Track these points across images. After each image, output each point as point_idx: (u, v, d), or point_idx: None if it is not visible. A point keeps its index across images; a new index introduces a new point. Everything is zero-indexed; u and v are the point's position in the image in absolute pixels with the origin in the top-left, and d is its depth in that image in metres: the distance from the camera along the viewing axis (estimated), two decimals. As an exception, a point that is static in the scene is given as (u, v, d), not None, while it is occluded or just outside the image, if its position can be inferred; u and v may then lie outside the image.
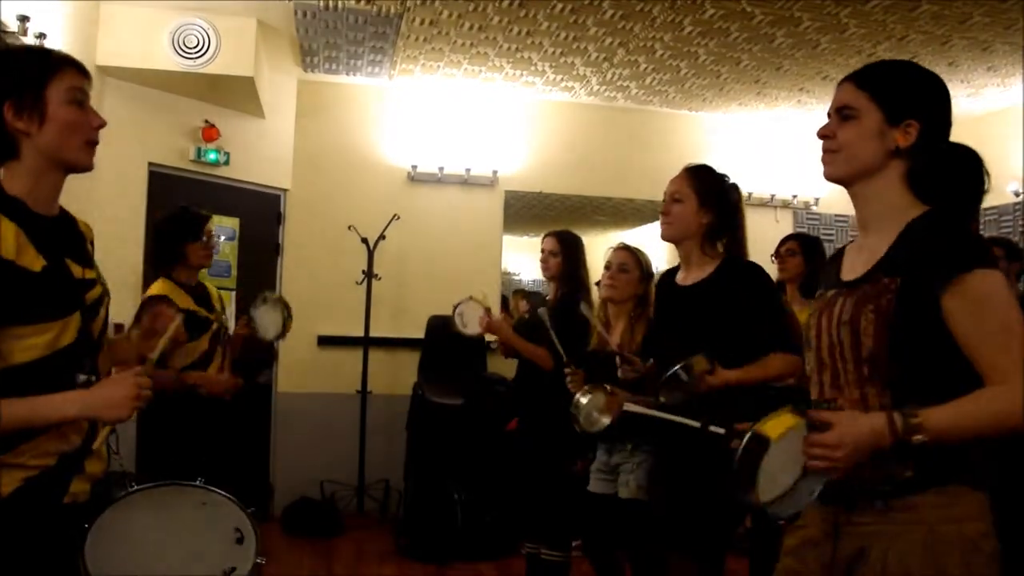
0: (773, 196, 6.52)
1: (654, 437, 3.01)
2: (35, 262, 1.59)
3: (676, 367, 2.33)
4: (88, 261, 1.78)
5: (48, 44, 3.79)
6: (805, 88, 5.85)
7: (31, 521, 1.60)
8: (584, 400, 2.78)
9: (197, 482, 1.90)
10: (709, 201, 2.61)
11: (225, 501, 1.91)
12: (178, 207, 3.51)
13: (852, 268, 1.68)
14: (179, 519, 1.84)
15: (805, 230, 6.54)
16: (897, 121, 1.60)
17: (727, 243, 2.66)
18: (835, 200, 6.33)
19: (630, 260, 3.40)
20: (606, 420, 2.74)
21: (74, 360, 1.67)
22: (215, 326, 3.46)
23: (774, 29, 4.77)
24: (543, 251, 3.86)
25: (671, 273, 2.77)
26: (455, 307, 3.87)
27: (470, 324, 3.82)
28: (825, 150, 1.67)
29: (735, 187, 2.71)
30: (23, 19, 3.60)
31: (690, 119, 6.63)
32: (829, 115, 1.70)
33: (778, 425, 1.48)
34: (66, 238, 1.75)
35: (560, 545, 3.67)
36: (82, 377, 1.68)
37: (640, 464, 3.16)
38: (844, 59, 5.21)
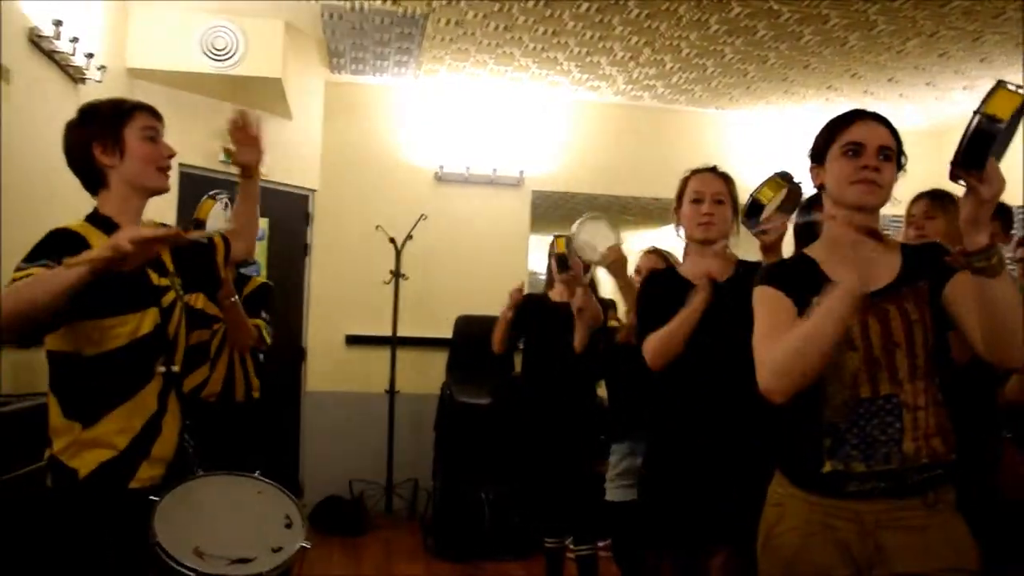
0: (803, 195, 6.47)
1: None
2: None
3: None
4: (165, 271, 2.11)
5: (80, 48, 3.86)
6: (833, 86, 5.80)
7: (104, 502, 1.86)
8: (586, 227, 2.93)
9: (256, 474, 2.12)
10: (736, 204, 2.70)
11: (278, 492, 2.11)
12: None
13: (864, 278, 1.72)
14: (237, 502, 2.04)
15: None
16: (901, 167, 1.87)
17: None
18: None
19: (661, 263, 3.40)
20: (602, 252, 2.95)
21: (152, 350, 1.98)
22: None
23: (801, 27, 4.73)
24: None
25: (668, 273, 2.76)
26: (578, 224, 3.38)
27: (600, 246, 3.24)
28: (870, 180, 1.80)
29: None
30: (57, 23, 3.65)
31: (717, 117, 6.60)
32: (862, 144, 1.82)
33: (1008, 102, 1.46)
34: None
35: (587, 539, 3.71)
36: (161, 368, 2.00)
37: (618, 462, 3.17)
38: (873, 56, 5.15)
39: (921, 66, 5.32)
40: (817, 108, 6.25)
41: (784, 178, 2.45)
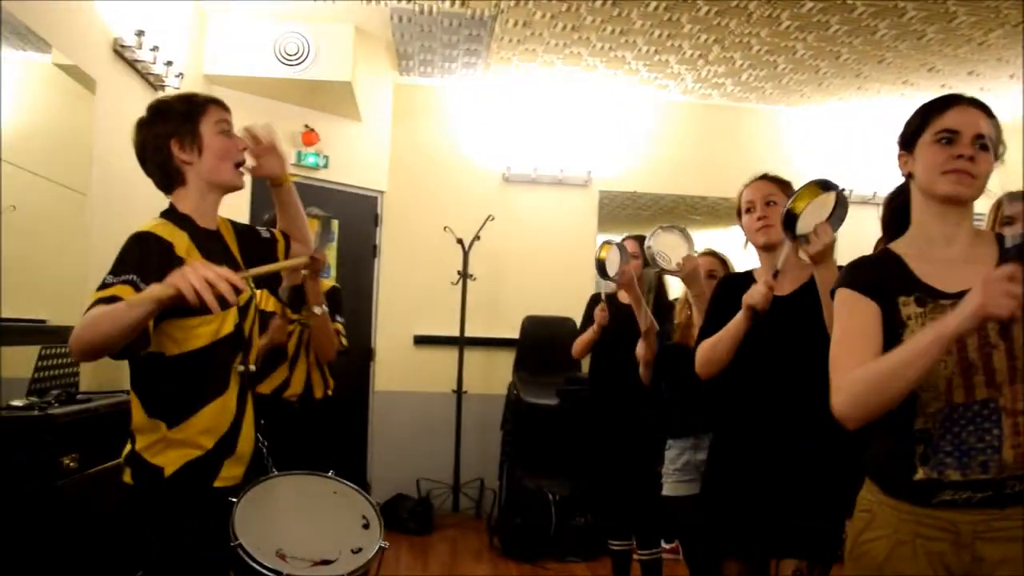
0: (875, 194, 6.30)
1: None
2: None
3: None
4: (239, 269, 2.06)
5: (160, 56, 3.97)
6: (909, 81, 5.64)
7: (189, 500, 1.87)
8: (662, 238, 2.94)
9: (329, 474, 2.12)
10: None
11: (353, 492, 2.12)
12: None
13: (957, 277, 1.66)
14: (314, 502, 2.06)
15: (909, 228, 6.30)
16: (998, 157, 1.75)
17: None
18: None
19: (717, 265, 3.36)
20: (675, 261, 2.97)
21: (232, 350, 1.98)
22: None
23: (876, 21, 4.61)
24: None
25: (740, 277, 2.67)
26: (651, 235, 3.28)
27: (673, 255, 3.19)
28: (965, 171, 1.70)
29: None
30: (139, 34, 3.78)
31: (787, 115, 6.48)
32: (957, 131, 1.71)
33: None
34: (221, 249, 2.07)
35: (651, 543, 3.70)
36: (241, 367, 2.00)
37: (675, 457, 3.13)
38: (952, 49, 5.01)
39: (1005, 58, 5.14)
40: (891, 104, 6.09)
41: (821, 186, 2.32)
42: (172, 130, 1.98)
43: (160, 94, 4.16)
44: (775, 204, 2.54)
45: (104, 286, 1.76)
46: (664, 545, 4.52)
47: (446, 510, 5.84)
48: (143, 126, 2.01)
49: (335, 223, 5.70)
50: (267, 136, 2.27)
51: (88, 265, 3.32)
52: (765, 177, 2.67)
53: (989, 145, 1.71)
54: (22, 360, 2.89)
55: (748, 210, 2.62)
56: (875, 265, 1.83)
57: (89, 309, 1.72)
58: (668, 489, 3.30)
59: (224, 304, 1.68)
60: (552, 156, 6.23)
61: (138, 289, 1.74)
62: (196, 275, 1.62)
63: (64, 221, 3.42)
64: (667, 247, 3.15)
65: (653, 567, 3.74)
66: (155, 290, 1.66)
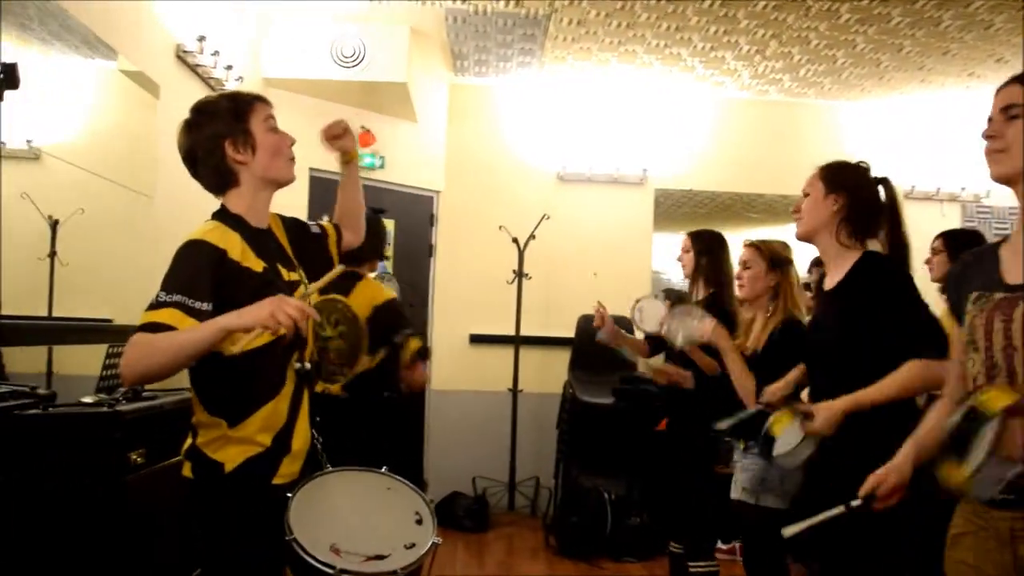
0: (939, 189, 6.16)
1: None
2: (257, 264, 1.91)
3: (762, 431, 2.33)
4: (292, 265, 2.08)
5: (221, 61, 4.06)
6: (975, 72, 5.49)
7: (249, 497, 1.87)
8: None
9: (383, 470, 2.12)
10: (837, 186, 2.43)
11: (407, 488, 2.11)
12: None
13: (1019, 270, 1.63)
14: (368, 498, 2.05)
15: (975, 225, 6.14)
16: None
17: (889, 244, 2.45)
18: (1010, 191, 5.91)
19: (752, 255, 3.27)
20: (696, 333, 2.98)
21: (289, 348, 1.95)
22: None
23: (940, 11, 4.50)
24: (680, 251, 3.84)
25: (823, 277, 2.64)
26: (637, 301, 3.60)
27: (648, 320, 3.48)
28: (991, 151, 1.68)
29: (884, 180, 2.46)
30: (200, 39, 3.86)
31: (847, 110, 6.36)
32: (991, 119, 1.69)
33: (999, 398, 1.44)
34: (275, 247, 2.07)
35: (705, 554, 3.58)
36: (298, 365, 1.98)
37: (746, 468, 3.07)
38: (1022, 38, 4.85)
39: (1078, 48, 4.98)
40: (956, 97, 5.93)
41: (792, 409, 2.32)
42: (224, 131, 1.94)
43: (221, 98, 4.24)
44: (807, 195, 2.49)
45: (154, 306, 1.74)
46: (720, 545, 4.47)
47: (502, 508, 5.86)
48: (191, 129, 1.97)
49: (391, 223, 5.77)
50: (339, 124, 2.39)
51: (153, 266, 3.38)
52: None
53: (1019, 112, 1.64)
54: (91, 358, 2.98)
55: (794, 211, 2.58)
56: (970, 263, 1.83)
57: (139, 330, 1.72)
58: (738, 493, 3.24)
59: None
60: (607, 155, 6.21)
61: (188, 310, 1.73)
62: (283, 313, 1.66)
63: (130, 223, 3.52)
64: (647, 308, 3.37)
65: None
66: (229, 322, 1.70)
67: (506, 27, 4.99)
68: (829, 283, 2.45)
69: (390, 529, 1.98)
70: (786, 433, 2.23)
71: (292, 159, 2.05)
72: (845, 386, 2.23)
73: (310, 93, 5.12)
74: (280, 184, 2.06)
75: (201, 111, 1.99)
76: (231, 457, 1.86)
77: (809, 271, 4.62)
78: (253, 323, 1.68)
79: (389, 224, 5.77)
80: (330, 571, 1.76)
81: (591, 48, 5.34)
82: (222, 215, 1.97)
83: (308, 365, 2.01)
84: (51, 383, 2.92)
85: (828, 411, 2.20)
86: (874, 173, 2.48)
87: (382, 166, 5.58)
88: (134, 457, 2.63)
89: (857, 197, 2.42)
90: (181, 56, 3.79)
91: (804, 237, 2.51)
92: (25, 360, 2.92)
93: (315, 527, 1.86)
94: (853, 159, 2.54)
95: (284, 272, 2.01)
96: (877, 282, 2.30)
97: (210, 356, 1.81)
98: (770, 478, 3.04)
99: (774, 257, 3.26)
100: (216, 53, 4.00)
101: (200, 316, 1.74)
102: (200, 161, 1.96)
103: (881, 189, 2.45)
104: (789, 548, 2.41)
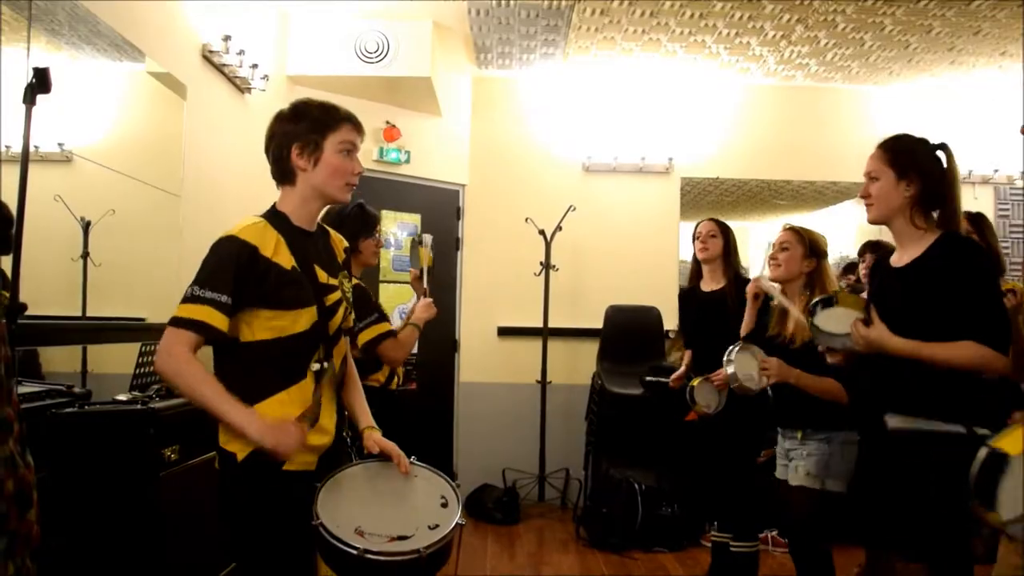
0: (971, 172, 6.07)
1: (832, 423, 3.04)
2: (287, 261, 1.98)
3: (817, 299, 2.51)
4: (334, 271, 2.14)
5: (247, 60, 4.09)
6: (1008, 52, 5.39)
7: (262, 482, 1.93)
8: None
9: (411, 459, 2.15)
10: (909, 170, 2.41)
11: (433, 474, 2.17)
12: (355, 204, 3.60)
13: None
14: (394, 485, 2.11)
15: (1008, 208, 6.06)
16: None
17: (940, 215, 2.43)
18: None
19: (791, 238, 3.34)
20: (764, 381, 3.15)
21: (305, 348, 2.01)
22: None
23: (970, -8, 4.43)
24: (701, 234, 3.90)
25: (886, 256, 2.62)
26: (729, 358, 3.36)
27: (750, 371, 3.30)
28: None
29: (943, 146, 2.45)
30: (226, 39, 3.89)
31: (875, 94, 6.27)
32: None
33: (1016, 440, 1.44)
34: (319, 250, 2.13)
35: (749, 535, 3.65)
36: (315, 365, 2.02)
37: (811, 452, 3.07)
38: (1053, 18, 4.76)
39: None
40: (987, 78, 5.84)
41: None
42: (298, 135, 2.04)
43: (247, 96, 4.28)
44: (876, 180, 2.46)
45: (188, 299, 1.87)
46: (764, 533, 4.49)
47: (532, 500, 5.88)
48: (279, 120, 2.09)
49: (417, 217, 5.78)
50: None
51: (181, 265, 3.45)
52: (877, 146, 2.52)
53: None
54: (125, 356, 3.03)
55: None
56: None
57: (171, 324, 1.86)
58: (784, 473, 3.24)
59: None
60: (633, 144, 6.18)
61: (219, 307, 1.86)
62: (284, 448, 1.87)
63: (159, 223, 3.57)
64: (742, 368, 3.30)
65: (748, 560, 3.66)
66: (239, 421, 1.85)
67: (529, 18, 4.98)
68: (899, 261, 2.45)
69: (415, 511, 2.03)
70: (846, 315, 2.43)
71: (351, 185, 2.11)
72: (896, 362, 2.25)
73: (335, 89, 5.14)
74: (330, 201, 2.15)
75: (293, 108, 2.10)
76: (240, 447, 1.92)
77: (861, 257, 4.59)
78: (258, 439, 1.84)
79: (414, 218, 5.80)
80: (354, 551, 1.81)
81: (615, 38, 5.31)
82: (270, 212, 2.07)
83: (325, 365, 2.05)
84: (86, 382, 2.98)
85: (885, 330, 2.31)
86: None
87: (407, 161, 5.60)
88: (168, 453, 2.67)
89: (930, 180, 2.41)
90: (207, 56, 3.83)
91: (877, 221, 2.50)
92: (61, 359, 2.98)
93: (341, 513, 1.91)
94: (898, 133, 2.51)
95: (321, 274, 2.07)
96: (960, 262, 2.29)
97: (230, 341, 1.92)
98: (833, 464, 3.05)
99: (813, 245, 3.34)
100: (242, 52, 4.03)
101: (224, 309, 1.86)
102: (270, 149, 2.08)
103: (942, 156, 2.44)
104: (881, 542, 2.39)
